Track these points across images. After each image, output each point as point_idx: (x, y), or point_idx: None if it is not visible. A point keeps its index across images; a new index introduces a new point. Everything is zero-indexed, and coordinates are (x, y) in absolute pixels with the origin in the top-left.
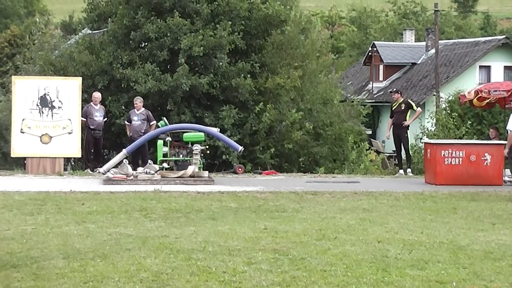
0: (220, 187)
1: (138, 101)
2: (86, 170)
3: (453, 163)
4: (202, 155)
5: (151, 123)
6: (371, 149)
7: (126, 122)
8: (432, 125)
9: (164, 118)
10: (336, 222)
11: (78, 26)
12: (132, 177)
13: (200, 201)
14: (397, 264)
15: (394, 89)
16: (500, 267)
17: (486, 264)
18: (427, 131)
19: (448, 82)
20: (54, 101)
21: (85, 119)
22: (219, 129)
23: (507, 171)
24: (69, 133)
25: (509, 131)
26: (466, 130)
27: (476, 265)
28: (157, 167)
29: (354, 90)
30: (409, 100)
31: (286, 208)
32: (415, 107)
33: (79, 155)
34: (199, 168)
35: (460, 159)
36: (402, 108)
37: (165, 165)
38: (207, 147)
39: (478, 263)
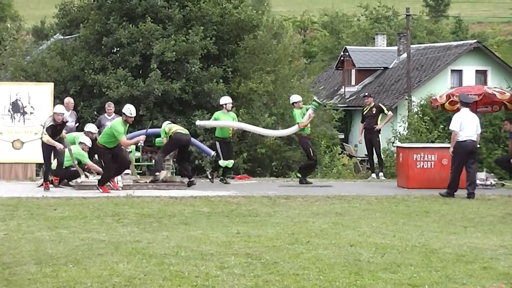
0: (192, 191)
1: (111, 106)
2: None
3: (425, 166)
4: (174, 159)
5: None
6: (344, 153)
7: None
8: (404, 129)
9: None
10: (309, 226)
11: (50, 31)
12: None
13: (173, 206)
14: (370, 267)
15: (366, 94)
16: (472, 270)
17: (458, 267)
18: (399, 135)
19: (420, 86)
20: (26, 106)
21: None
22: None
23: (479, 174)
24: (41, 138)
25: (452, 131)
26: (439, 134)
27: (449, 268)
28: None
29: (327, 94)
30: (380, 104)
31: (259, 213)
32: (386, 111)
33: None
34: (172, 173)
35: (432, 162)
36: (374, 112)
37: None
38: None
39: (451, 266)
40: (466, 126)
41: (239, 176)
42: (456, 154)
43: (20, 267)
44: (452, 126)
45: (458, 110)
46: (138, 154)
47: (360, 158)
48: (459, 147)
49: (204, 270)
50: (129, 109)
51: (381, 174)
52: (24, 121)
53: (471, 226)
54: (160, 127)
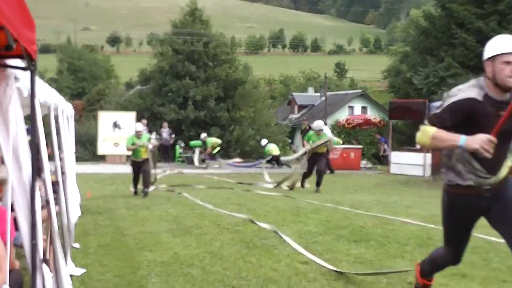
0: (211, 170)
1: (166, 124)
2: None
3: (334, 157)
4: (200, 152)
5: (172, 135)
6: (291, 150)
7: (157, 136)
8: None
9: None
10: (272, 190)
11: (134, 84)
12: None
13: (202, 178)
14: (304, 211)
15: (305, 118)
16: (359, 213)
17: (352, 212)
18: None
19: (332, 115)
20: (120, 124)
21: None
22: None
23: (362, 162)
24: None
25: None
26: (342, 141)
27: (346, 213)
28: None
29: (282, 119)
30: (310, 125)
31: (245, 182)
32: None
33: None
34: (198, 160)
35: (338, 155)
36: (308, 129)
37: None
38: (204, 149)
39: (347, 212)
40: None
41: (236, 161)
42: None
43: (117, 210)
44: (330, 135)
45: (353, 128)
46: (180, 150)
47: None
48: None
49: (216, 212)
50: None
51: None
52: (119, 132)
53: (359, 190)
54: (193, 136)
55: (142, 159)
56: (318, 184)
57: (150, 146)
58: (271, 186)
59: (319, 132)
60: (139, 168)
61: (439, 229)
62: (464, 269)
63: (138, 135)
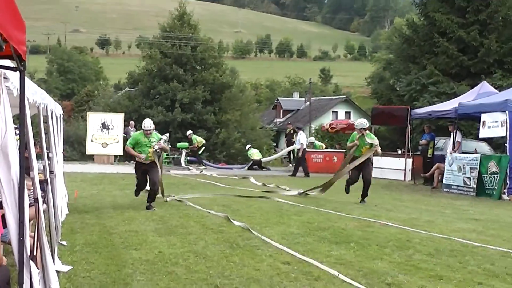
0: (197, 171)
1: (153, 125)
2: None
3: (317, 161)
4: (186, 154)
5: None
6: (275, 153)
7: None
8: (307, 142)
9: None
10: (256, 192)
11: (123, 86)
12: None
13: (189, 179)
14: (288, 213)
15: (289, 122)
16: (341, 216)
17: (333, 215)
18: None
19: (316, 119)
20: (109, 125)
21: (125, 135)
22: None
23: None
24: (117, 142)
25: (301, 144)
26: (326, 145)
27: (329, 215)
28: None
29: (267, 122)
30: (294, 128)
31: (230, 183)
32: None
33: (122, 154)
34: (184, 162)
35: (321, 158)
36: (292, 132)
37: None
38: (190, 151)
39: (327, 214)
40: (306, 140)
41: (221, 164)
42: (303, 155)
43: (104, 210)
44: (303, 141)
45: (336, 132)
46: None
47: (285, 156)
48: (304, 151)
49: (200, 213)
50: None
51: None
52: (108, 133)
53: (341, 193)
54: (181, 138)
55: (149, 161)
56: (363, 195)
57: (156, 147)
58: (294, 193)
59: (361, 130)
60: (145, 172)
61: (418, 232)
62: (440, 271)
63: (146, 134)
